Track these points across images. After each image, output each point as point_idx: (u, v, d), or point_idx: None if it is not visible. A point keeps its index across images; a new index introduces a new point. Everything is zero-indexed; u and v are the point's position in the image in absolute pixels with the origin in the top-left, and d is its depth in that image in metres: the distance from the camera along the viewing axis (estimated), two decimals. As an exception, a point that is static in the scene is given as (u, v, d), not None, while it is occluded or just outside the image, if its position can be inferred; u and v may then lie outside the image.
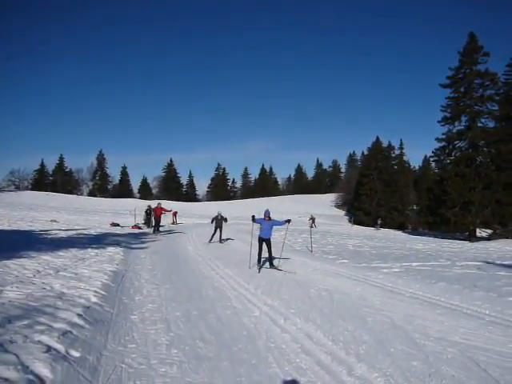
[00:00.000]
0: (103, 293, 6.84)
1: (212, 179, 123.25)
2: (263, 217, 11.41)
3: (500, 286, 8.63)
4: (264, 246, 11.30)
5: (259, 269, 10.68)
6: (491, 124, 35.11)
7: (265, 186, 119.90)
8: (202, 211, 62.52)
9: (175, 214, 32.35)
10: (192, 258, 12.89)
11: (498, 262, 13.72)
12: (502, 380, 3.93)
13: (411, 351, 4.70)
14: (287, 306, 6.71)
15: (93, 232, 19.42)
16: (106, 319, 5.52)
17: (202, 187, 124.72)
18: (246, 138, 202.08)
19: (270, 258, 11.29)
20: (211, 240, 17.92)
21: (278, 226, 11.76)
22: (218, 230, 18.31)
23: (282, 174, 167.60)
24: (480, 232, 34.77)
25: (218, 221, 18.22)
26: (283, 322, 5.82)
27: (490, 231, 34.23)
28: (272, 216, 11.46)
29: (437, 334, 5.36)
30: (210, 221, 18.85)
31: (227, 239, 19.49)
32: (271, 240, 11.45)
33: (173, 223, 31.74)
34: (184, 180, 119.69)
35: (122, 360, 4.19)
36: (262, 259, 11.18)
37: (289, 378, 3.91)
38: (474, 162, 34.58)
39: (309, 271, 10.77)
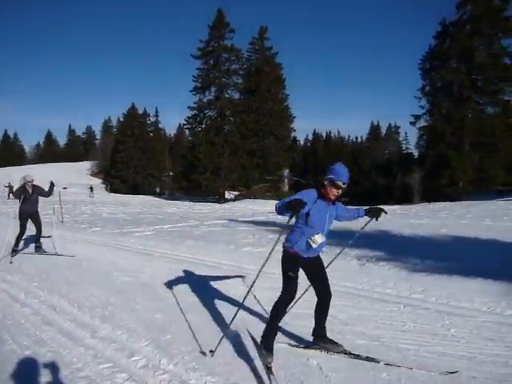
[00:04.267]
0: None
1: None
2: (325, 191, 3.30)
3: (238, 239, 9.63)
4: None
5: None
6: (236, 96, 38.42)
7: (10, 154, 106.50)
8: None
9: None
10: None
11: (241, 219, 15.27)
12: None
13: (155, 305, 4.81)
14: (30, 280, 6.10)
15: None
16: None
17: None
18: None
19: (323, 319, 3.57)
20: (16, 247, 8.19)
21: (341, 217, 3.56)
22: (30, 221, 8.47)
23: (30, 142, 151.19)
24: (229, 194, 38.24)
25: (30, 200, 8.35)
26: (24, 296, 5.28)
27: (236, 193, 37.93)
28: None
29: (178, 286, 5.59)
30: (12, 196, 9.62)
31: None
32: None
33: None
34: None
35: None
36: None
37: (27, 352, 3.59)
38: (222, 130, 37.39)
39: (57, 242, 10.01)
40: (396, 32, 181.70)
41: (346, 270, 6.46)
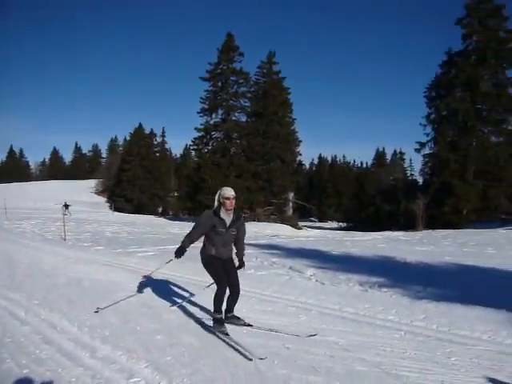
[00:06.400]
0: None
1: None
2: None
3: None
4: None
5: None
6: (243, 118, 38.69)
7: (14, 170, 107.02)
8: None
9: None
10: None
11: (244, 241, 15.28)
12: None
13: (157, 326, 4.83)
14: (30, 298, 6.12)
15: None
16: None
17: None
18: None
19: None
20: (220, 313, 4.61)
21: None
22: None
23: (35, 158, 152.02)
24: (233, 217, 38.24)
25: (225, 235, 4.64)
26: (24, 314, 5.29)
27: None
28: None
29: (180, 308, 5.65)
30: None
31: None
32: None
33: None
34: None
35: None
36: None
37: (25, 371, 3.58)
38: (228, 152, 37.57)
39: (59, 260, 10.05)
40: (403, 60, 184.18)
41: (347, 296, 6.50)
